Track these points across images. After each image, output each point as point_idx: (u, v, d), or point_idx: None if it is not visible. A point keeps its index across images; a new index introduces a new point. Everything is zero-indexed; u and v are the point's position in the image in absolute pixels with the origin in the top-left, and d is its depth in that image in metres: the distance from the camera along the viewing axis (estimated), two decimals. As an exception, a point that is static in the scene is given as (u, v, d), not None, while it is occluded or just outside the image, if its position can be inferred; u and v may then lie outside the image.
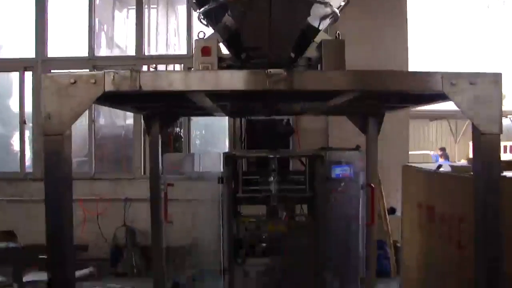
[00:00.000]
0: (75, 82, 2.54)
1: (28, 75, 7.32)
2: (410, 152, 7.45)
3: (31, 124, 7.35)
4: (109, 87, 2.52)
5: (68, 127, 2.55)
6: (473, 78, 2.59)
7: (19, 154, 7.38)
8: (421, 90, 2.73)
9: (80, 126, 7.29)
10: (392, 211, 6.58)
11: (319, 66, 3.38)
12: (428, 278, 4.31)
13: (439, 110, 16.44)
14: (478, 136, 2.62)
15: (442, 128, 19.56)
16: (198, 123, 7.83)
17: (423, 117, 17.69)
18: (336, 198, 3.61)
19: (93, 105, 7.27)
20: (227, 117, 7.16)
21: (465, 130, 17.78)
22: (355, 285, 3.71)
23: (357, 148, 3.83)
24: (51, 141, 2.54)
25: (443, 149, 15.81)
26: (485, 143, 2.61)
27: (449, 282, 3.80)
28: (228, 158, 3.70)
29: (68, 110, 2.52)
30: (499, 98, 2.61)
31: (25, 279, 5.27)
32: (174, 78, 2.51)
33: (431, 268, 4.25)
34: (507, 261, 2.74)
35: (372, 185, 4.25)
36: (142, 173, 7.16)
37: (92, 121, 7.33)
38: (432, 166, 4.64)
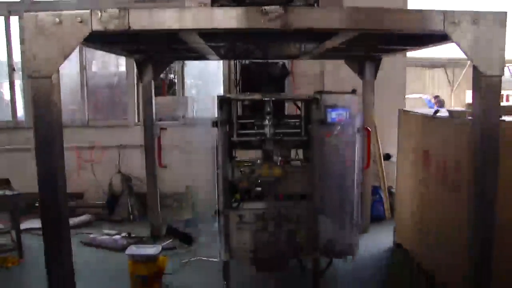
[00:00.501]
0: (60, 22, 2.44)
1: (14, 20, 7.07)
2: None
3: (21, 72, 7.18)
4: (96, 26, 2.43)
5: (56, 70, 2.46)
6: (476, 17, 2.51)
7: (10, 103, 7.27)
8: (421, 29, 2.65)
9: (72, 74, 7.14)
10: (387, 157, 6.59)
11: (315, 6, 3.25)
12: (422, 221, 4.37)
13: (437, 58, 16.26)
14: (478, 77, 2.56)
15: (439, 77, 19.40)
16: (193, 72, 7.70)
17: (420, 65, 17.51)
18: (331, 142, 3.57)
19: (84, 51, 7.11)
20: (222, 66, 7.03)
21: (462, 79, 17.63)
22: (349, 229, 3.73)
23: (353, 91, 3.76)
24: (40, 85, 2.46)
25: (437, 97, 15.71)
26: (486, 84, 2.55)
27: (443, 224, 3.84)
28: (223, 101, 3.62)
29: (54, 52, 2.43)
30: (503, 38, 2.53)
31: (23, 226, 5.32)
32: (165, 16, 2.40)
33: (425, 211, 4.29)
34: (506, 205, 2.75)
35: (368, 128, 4.22)
36: (136, 120, 7.10)
37: (83, 67, 7.17)
38: (429, 111, 4.60)
